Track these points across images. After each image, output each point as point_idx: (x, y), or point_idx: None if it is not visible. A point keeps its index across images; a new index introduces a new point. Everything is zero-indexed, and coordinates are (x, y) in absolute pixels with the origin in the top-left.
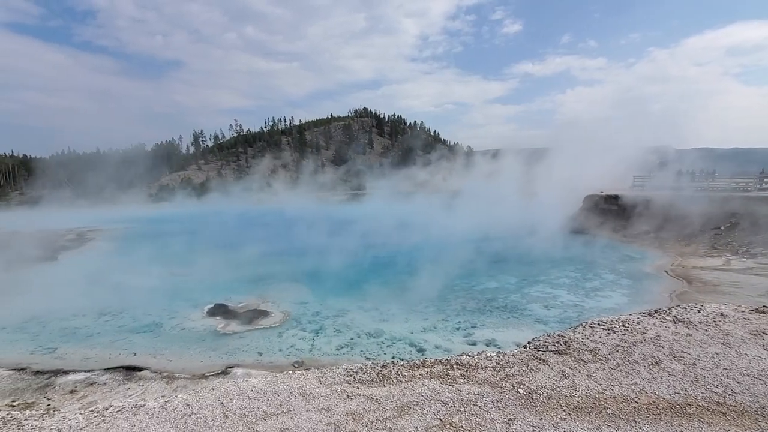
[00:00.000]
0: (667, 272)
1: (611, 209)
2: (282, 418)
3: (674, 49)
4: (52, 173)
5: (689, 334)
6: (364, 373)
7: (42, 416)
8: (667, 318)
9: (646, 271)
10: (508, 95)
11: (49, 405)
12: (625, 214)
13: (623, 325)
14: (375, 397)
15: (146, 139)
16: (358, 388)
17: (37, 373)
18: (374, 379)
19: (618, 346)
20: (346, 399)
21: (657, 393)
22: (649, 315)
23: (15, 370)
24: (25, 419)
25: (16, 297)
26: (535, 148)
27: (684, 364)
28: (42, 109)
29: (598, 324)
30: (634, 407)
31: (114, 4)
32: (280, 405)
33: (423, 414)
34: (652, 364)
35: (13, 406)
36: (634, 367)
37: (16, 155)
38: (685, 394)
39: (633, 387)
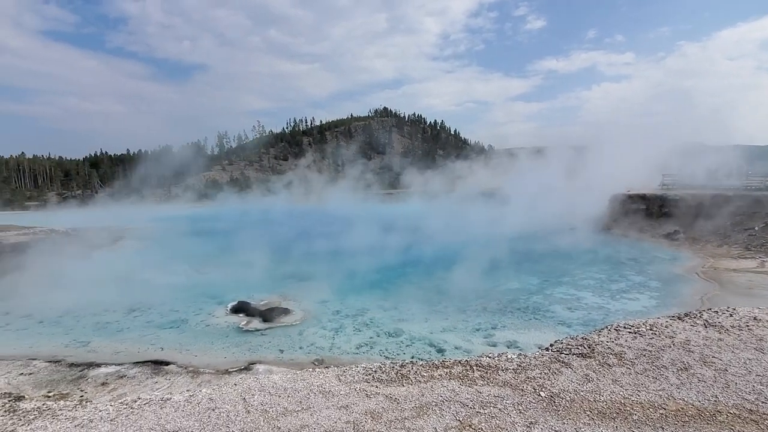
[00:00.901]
0: (697, 274)
1: (639, 209)
2: (302, 414)
3: (706, 42)
4: (86, 174)
5: (721, 339)
6: (383, 373)
7: (75, 407)
8: (697, 322)
9: (675, 272)
10: (530, 92)
11: (82, 396)
12: (654, 214)
13: (651, 329)
14: (394, 397)
15: (173, 141)
16: (377, 387)
17: (72, 365)
18: (393, 379)
19: (645, 350)
20: (365, 398)
21: (686, 399)
22: (679, 318)
23: (51, 362)
24: (60, 409)
25: (52, 292)
26: (562, 146)
27: (715, 370)
28: (76, 113)
29: (624, 327)
30: (662, 414)
31: (144, 11)
32: (300, 402)
33: (442, 415)
34: (681, 369)
35: (49, 397)
36: (661, 372)
37: (52, 157)
38: (716, 401)
39: (660, 393)
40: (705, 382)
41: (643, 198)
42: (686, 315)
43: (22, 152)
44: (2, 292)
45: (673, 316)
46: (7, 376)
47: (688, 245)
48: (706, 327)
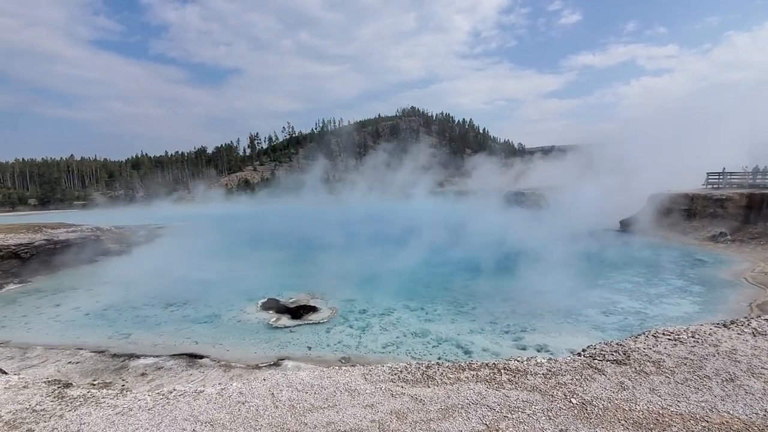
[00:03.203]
0: (746, 279)
1: (681, 209)
2: (328, 412)
3: (757, 32)
4: (128, 175)
5: None
6: (408, 373)
7: (116, 395)
8: (745, 330)
9: (721, 277)
10: (564, 89)
11: (123, 386)
12: (698, 215)
13: (693, 336)
14: (419, 398)
15: (208, 142)
16: (402, 387)
17: (114, 356)
18: (419, 379)
19: (686, 358)
20: (390, 397)
21: (731, 412)
22: (724, 326)
23: (96, 352)
24: (102, 397)
25: (97, 287)
26: (600, 144)
27: (764, 382)
28: (120, 117)
29: (663, 334)
30: (704, 426)
31: (184, 18)
32: (327, 399)
33: (468, 418)
34: (726, 380)
35: (94, 385)
36: (704, 383)
37: (98, 159)
38: (765, 415)
39: (703, 404)
40: (753, 394)
41: (685, 197)
42: (732, 322)
43: (72, 154)
44: (54, 285)
45: (717, 323)
46: (57, 364)
47: (736, 248)
48: (755, 335)
